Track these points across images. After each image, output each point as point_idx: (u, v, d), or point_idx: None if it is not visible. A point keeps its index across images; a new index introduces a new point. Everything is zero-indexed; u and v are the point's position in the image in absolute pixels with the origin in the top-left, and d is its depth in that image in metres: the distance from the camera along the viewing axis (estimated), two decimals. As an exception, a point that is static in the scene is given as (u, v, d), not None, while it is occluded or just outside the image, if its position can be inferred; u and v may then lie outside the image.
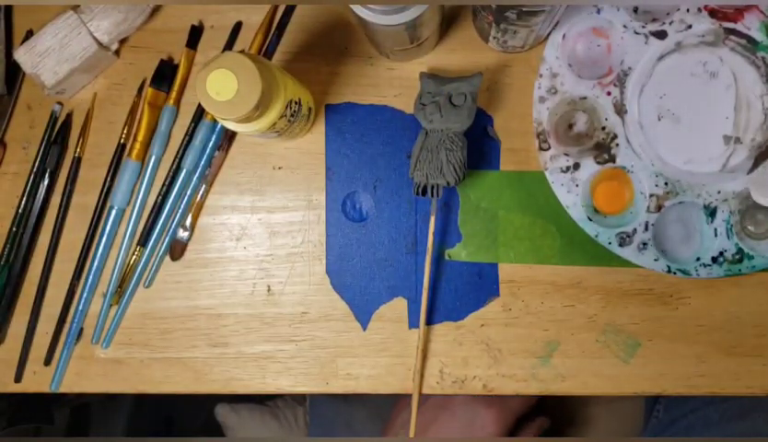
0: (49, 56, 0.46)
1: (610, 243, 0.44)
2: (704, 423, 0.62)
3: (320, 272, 0.49)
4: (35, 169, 0.49)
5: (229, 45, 0.49)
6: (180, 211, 0.49)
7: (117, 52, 0.49)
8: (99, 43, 0.47)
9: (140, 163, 0.49)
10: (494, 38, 0.44)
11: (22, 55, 0.46)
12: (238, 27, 0.49)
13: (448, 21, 0.47)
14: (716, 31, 0.43)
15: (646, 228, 0.43)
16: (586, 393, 0.48)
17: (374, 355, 0.48)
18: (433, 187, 0.44)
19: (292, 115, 0.41)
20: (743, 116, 0.43)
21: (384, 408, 0.70)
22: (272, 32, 0.49)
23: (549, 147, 0.44)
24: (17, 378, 0.50)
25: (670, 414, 0.66)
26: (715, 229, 0.43)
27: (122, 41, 0.49)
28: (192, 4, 0.49)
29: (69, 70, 0.46)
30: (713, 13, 0.43)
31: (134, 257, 0.49)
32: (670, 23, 0.43)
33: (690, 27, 0.43)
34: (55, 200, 0.50)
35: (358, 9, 0.37)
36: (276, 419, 0.87)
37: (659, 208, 0.43)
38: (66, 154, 0.50)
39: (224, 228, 0.49)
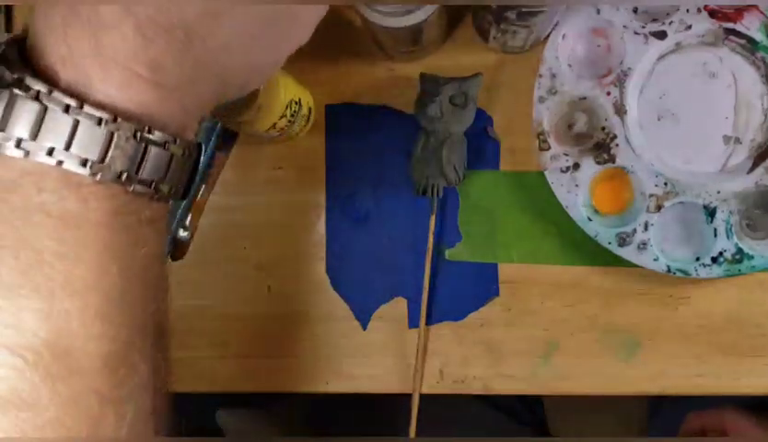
0: (49, 56, 0.46)
1: (609, 243, 0.44)
2: None
3: (320, 272, 0.49)
4: (35, 169, 0.49)
5: (229, 45, 0.49)
6: (180, 211, 0.49)
7: (117, 53, 0.49)
8: (100, 43, 0.47)
9: (140, 163, 0.49)
10: (494, 38, 0.44)
11: (22, 55, 0.46)
12: (238, 27, 0.49)
13: (451, 23, 0.47)
14: (716, 32, 0.43)
15: (646, 228, 0.43)
16: (586, 393, 0.48)
17: (374, 355, 0.48)
18: (433, 187, 0.44)
19: (292, 115, 0.41)
20: (743, 116, 0.43)
21: (385, 411, 0.70)
22: (272, 32, 0.49)
23: (549, 147, 0.44)
24: (17, 378, 0.50)
25: (676, 418, 0.66)
26: (715, 229, 0.43)
27: (123, 41, 0.49)
28: (193, 4, 0.49)
29: (69, 70, 0.46)
30: (712, 13, 0.43)
31: (134, 257, 0.49)
32: (670, 23, 0.43)
33: (689, 27, 0.43)
34: (55, 200, 0.50)
35: (366, 12, 0.37)
36: (278, 424, 0.87)
37: (659, 208, 0.43)
38: (66, 154, 0.50)
39: (224, 228, 0.49)
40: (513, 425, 0.69)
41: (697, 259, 0.44)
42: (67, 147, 0.23)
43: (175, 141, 0.26)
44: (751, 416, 0.54)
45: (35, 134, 0.23)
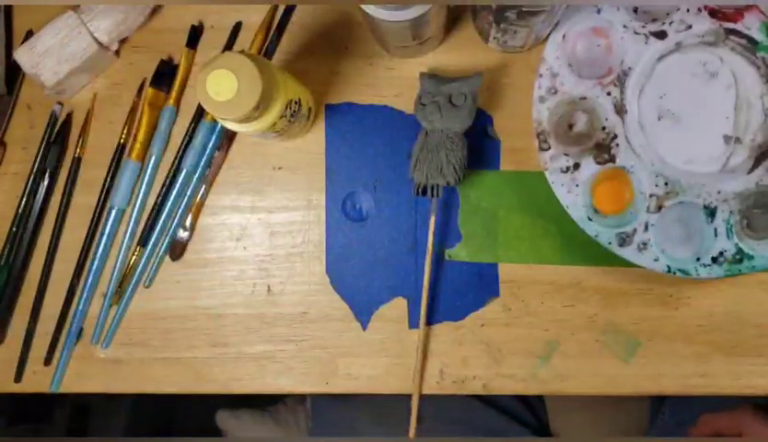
0: (49, 56, 0.46)
1: (610, 243, 0.44)
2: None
3: (320, 272, 0.49)
4: (35, 169, 0.49)
5: (229, 45, 0.49)
6: (180, 211, 0.49)
7: (117, 52, 0.49)
8: (99, 43, 0.47)
9: (140, 163, 0.49)
10: (495, 38, 0.44)
11: (22, 55, 0.46)
12: (237, 27, 0.49)
13: (452, 21, 0.47)
14: (716, 31, 0.43)
15: (646, 228, 0.43)
16: (586, 393, 0.48)
17: (374, 355, 0.48)
18: (433, 187, 0.44)
19: (292, 115, 0.41)
20: (743, 116, 0.43)
21: (386, 409, 0.70)
22: (272, 32, 0.49)
23: (549, 147, 0.44)
24: (17, 378, 0.50)
25: (676, 418, 0.66)
26: (715, 229, 0.43)
27: (122, 41, 0.49)
28: (192, 4, 0.49)
29: (69, 70, 0.46)
30: (713, 13, 0.43)
31: (134, 257, 0.49)
32: (670, 23, 0.43)
33: (690, 27, 0.43)
34: (55, 200, 0.50)
35: (367, 6, 0.37)
36: (278, 424, 0.87)
37: (659, 208, 0.43)
38: (66, 154, 0.50)
39: (224, 228, 0.49)
40: (514, 426, 0.69)
41: (697, 259, 0.44)
42: None
43: None
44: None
45: None
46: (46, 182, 0.49)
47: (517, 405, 0.71)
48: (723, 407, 0.59)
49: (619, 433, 0.73)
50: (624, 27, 0.43)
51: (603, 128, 0.44)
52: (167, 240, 0.49)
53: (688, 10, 0.43)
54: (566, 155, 0.44)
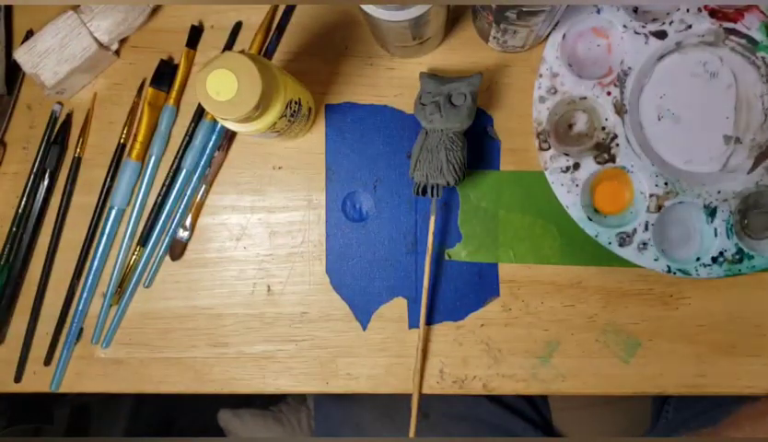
0: (49, 56, 0.46)
1: (610, 243, 0.44)
2: (714, 425, 0.61)
3: (320, 272, 0.49)
4: (35, 169, 0.49)
5: (229, 45, 0.49)
6: (180, 211, 0.49)
7: (117, 52, 0.49)
8: (100, 43, 0.47)
9: (140, 163, 0.49)
10: (494, 38, 0.44)
11: (22, 55, 0.46)
12: (238, 27, 0.49)
13: (452, 21, 0.47)
14: (716, 31, 0.43)
15: (646, 228, 0.43)
16: (586, 393, 0.48)
17: (374, 355, 0.48)
18: (433, 187, 0.44)
19: (292, 115, 0.41)
20: (743, 116, 0.43)
21: (389, 407, 0.70)
22: (272, 32, 0.49)
23: (549, 147, 0.44)
24: (17, 378, 0.50)
25: (681, 416, 0.66)
26: (715, 229, 0.43)
27: (122, 41, 0.49)
28: (192, 4, 0.49)
29: (69, 70, 0.46)
30: (713, 13, 0.43)
31: (134, 257, 0.49)
32: (670, 23, 0.43)
33: (690, 27, 0.43)
34: (55, 200, 0.50)
35: (364, 5, 0.37)
36: (280, 424, 0.87)
37: (659, 208, 0.43)
38: (66, 154, 0.50)
39: (224, 228, 0.49)
40: (519, 422, 0.69)
41: (697, 259, 0.44)
42: None
43: None
44: None
45: None
46: (46, 182, 0.49)
47: (521, 402, 0.71)
48: (724, 405, 0.59)
49: (622, 430, 0.73)
50: (624, 27, 0.43)
51: (603, 128, 0.44)
52: (167, 240, 0.49)
53: (688, 10, 0.43)
54: (566, 155, 0.44)
